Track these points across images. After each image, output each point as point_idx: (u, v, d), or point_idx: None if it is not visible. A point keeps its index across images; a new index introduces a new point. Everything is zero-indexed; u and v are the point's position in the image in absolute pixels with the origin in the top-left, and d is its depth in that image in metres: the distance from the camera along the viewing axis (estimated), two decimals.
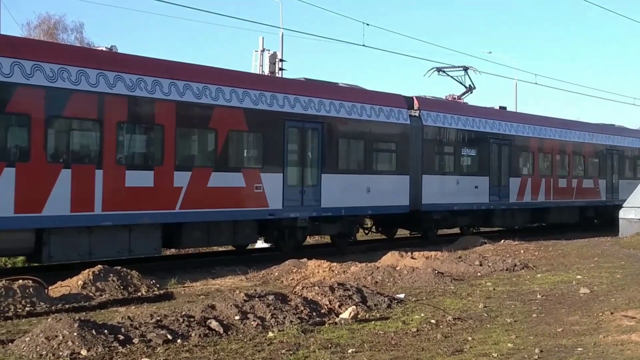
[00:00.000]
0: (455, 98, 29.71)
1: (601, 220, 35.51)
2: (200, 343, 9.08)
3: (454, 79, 30.16)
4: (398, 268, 16.00)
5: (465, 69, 30.00)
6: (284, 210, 20.44)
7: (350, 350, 8.90)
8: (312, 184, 21.39)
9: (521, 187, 29.94)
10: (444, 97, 29.36)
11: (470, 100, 30.83)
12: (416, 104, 25.72)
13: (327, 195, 21.58)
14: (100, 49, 18.31)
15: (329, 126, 21.91)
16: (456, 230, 29.52)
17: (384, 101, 24.29)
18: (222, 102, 18.85)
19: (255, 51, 32.71)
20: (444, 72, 30.15)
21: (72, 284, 13.32)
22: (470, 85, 30.01)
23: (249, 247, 24.48)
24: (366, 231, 26.42)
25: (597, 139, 35.70)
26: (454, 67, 30.18)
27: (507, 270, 17.06)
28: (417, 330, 10.15)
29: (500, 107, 31.19)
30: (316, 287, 12.06)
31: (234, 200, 19.15)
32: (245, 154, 20.27)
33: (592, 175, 35.02)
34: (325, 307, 11.36)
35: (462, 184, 26.95)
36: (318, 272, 16.09)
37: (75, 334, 8.63)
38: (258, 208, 19.75)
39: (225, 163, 19.03)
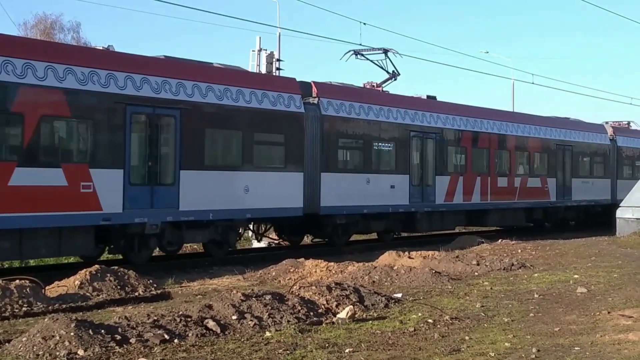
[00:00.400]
0: (374, 86, 26.07)
1: (552, 223, 33.31)
2: (197, 343, 9.07)
3: (374, 63, 26.44)
4: (395, 268, 16.00)
5: (385, 51, 26.17)
6: (124, 215, 16.97)
7: (347, 350, 8.90)
8: (168, 183, 17.96)
9: (450, 186, 26.68)
10: (362, 85, 25.99)
11: (403, 89, 29.33)
12: (314, 91, 22.37)
13: (188, 196, 18.12)
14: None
15: (191, 113, 18.34)
16: (373, 236, 26.72)
17: (271, 85, 20.96)
18: (31, 81, 15.38)
19: (252, 51, 32.70)
20: (362, 55, 26.41)
21: (69, 284, 13.31)
22: (394, 71, 26.29)
23: (247, 247, 24.47)
24: (258, 237, 23.71)
25: (546, 133, 32.27)
26: (373, 49, 26.45)
27: (504, 269, 17.08)
28: (415, 330, 10.15)
29: (428, 97, 27.52)
30: (313, 287, 12.06)
31: (50, 203, 15.70)
32: (67, 146, 16.65)
33: (540, 173, 31.77)
34: (323, 306, 11.36)
35: (375, 184, 23.52)
36: (315, 271, 16.09)
37: (72, 334, 8.62)
38: (86, 212, 16.24)
39: (35, 156, 15.52)
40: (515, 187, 30.04)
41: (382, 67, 26.10)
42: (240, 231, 21.48)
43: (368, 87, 25.91)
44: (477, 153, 28.53)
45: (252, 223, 22.31)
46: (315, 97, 22.29)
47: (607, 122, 38.13)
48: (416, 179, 25.36)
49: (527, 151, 31.28)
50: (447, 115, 26.95)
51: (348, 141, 23.39)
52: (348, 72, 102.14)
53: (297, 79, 22.23)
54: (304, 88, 22.07)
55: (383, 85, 26.20)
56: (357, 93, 24.31)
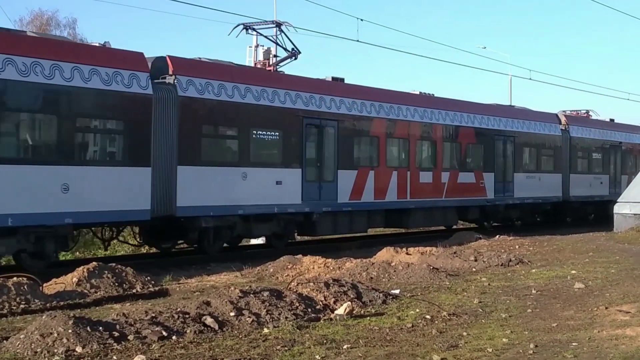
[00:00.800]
0: (266, 65, 22.46)
1: (492, 222, 30.16)
2: (195, 339, 9.07)
3: (268, 38, 22.98)
4: (393, 264, 16.02)
5: (278, 25, 22.61)
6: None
7: (345, 346, 8.90)
8: None
9: (358, 183, 23.15)
10: (254, 64, 22.18)
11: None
12: (170, 67, 18.50)
13: None
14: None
15: None
16: (261, 240, 23.59)
17: (105, 60, 16.96)
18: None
19: (249, 47, 32.62)
20: (252, 29, 23.11)
21: (67, 281, 13.30)
22: (293, 49, 22.60)
23: (244, 243, 24.41)
24: (105, 245, 19.38)
25: (482, 122, 28.48)
26: (265, 22, 22.93)
27: (502, 265, 17.10)
28: (412, 326, 10.15)
29: (333, 79, 23.58)
30: (311, 283, 12.06)
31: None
32: None
33: (474, 167, 28.10)
34: (321, 303, 11.36)
35: (254, 180, 19.79)
36: (313, 268, 16.10)
37: (70, 331, 8.62)
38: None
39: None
40: (442, 182, 26.46)
41: (277, 43, 22.56)
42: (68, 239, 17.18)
43: (259, 66, 21.95)
44: (394, 144, 25.03)
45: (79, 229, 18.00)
46: (171, 75, 18.38)
47: (564, 111, 35.43)
48: (312, 174, 21.68)
49: (458, 142, 27.51)
50: (354, 100, 23.17)
51: (217, 128, 19.77)
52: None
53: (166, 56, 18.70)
54: (158, 65, 18.44)
55: (280, 65, 22.61)
56: (230, 71, 20.13)
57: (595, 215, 35.41)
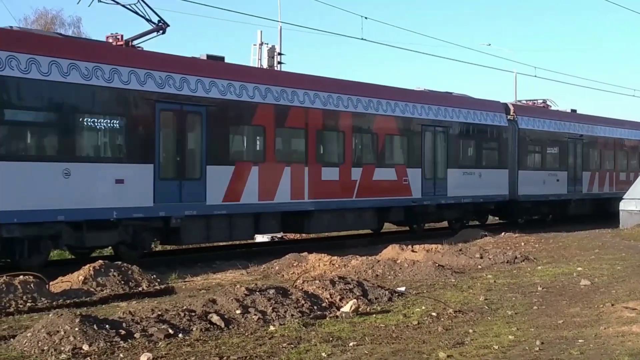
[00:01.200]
0: (119, 40, 17.96)
1: (423, 225, 26.53)
2: (201, 337, 9.08)
3: (127, 7, 18.35)
4: (399, 261, 16.03)
5: None
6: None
7: (351, 344, 8.91)
8: None
9: (235, 181, 19.09)
10: (105, 39, 18.02)
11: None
12: None
13: None
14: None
15: None
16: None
17: None
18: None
19: (254, 45, 32.67)
20: None
21: (73, 280, 13.33)
22: (160, 21, 18.71)
23: (250, 241, 24.40)
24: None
25: (407, 111, 24.59)
26: None
27: (507, 262, 17.10)
28: (418, 323, 10.16)
29: (209, 57, 19.66)
30: (317, 281, 12.09)
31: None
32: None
33: (395, 162, 24.31)
34: (326, 300, 11.38)
35: (82, 178, 15.92)
36: (319, 265, 16.11)
37: (76, 329, 8.64)
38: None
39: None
40: (353, 180, 22.51)
41: (137, 13, 18.42)
42: None
43: (111, 40, 17.98)
44: (286, 135, 21.17)
45: None
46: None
47: (520, 100, 32.83)
48: (168, 171, 17.86)
49: (374, 133, 23.53)
50: (231, 82, 19.21)
51: (25, 113, 15.57)
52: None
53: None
54: None
55: (139, 40, 18.55)
56: (46, 43, 16.13)
57: (553, 216, 33.06)
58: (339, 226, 23.30)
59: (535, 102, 33.74)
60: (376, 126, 23.50)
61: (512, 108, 30.23)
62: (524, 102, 33.43)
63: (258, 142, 20.35)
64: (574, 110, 35.25)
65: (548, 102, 33.87)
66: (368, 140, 23.54)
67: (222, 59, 19.91)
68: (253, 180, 19.53)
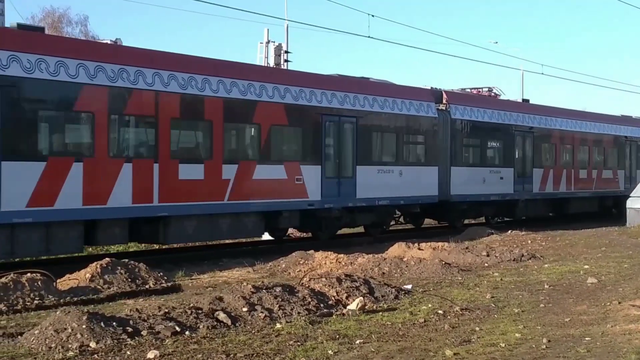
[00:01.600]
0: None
1: (328, 232, 22.28)
2: (208, 335, 9.11)
3: None
4: (405, 259, 16.03)
5: None
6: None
7: (357, 341, 8.92)
8: None
9: (47, 181, 15.10)
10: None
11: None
12: None
13: None
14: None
15: None
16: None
17: None
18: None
19: (260, 43, 32.68)
20: None
21: (80, 277, 13.37)
22: None
23: (256, 239, 24.32)
24: None
25: (300, 98, 20.53)
26: None
27: (514, 260, 17.08)
28: (425, 321, 10.16)
29: (19, 25, 15.88)
30: (323, 279, 12.09)
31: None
32: None
33: (285, 158, 20.41)
34: (333, 298, 11.39)
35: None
36: (325, 263, 16.11)
37: (84, 326, 8.67)
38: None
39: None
40: (225, 180, 18.62)
41: None
42: None
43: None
44: (126, 124, 17.09)
45: None
46: None
47: (464, 89, 29.39)
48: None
49: (256, 124, 19.53)
50: (43, 57, 15.15)
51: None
52: None
53: None
54: None
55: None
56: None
57: (500, 218, 30.02)
58: (210, 235, 19.32)
59: (480, 90, 29.94)
60: (258, 115, 19.37)
61: (444, 96, 26.25)
62: (468, 90, 29.45)
63: (83, 134, 16.44)
64: (526, 100, 32.12)
65: (495, 91, 30.25)
66: (246, 132, 19.71)
67: (42, 29, 17.47)
68: (75, 181, 15.56)
